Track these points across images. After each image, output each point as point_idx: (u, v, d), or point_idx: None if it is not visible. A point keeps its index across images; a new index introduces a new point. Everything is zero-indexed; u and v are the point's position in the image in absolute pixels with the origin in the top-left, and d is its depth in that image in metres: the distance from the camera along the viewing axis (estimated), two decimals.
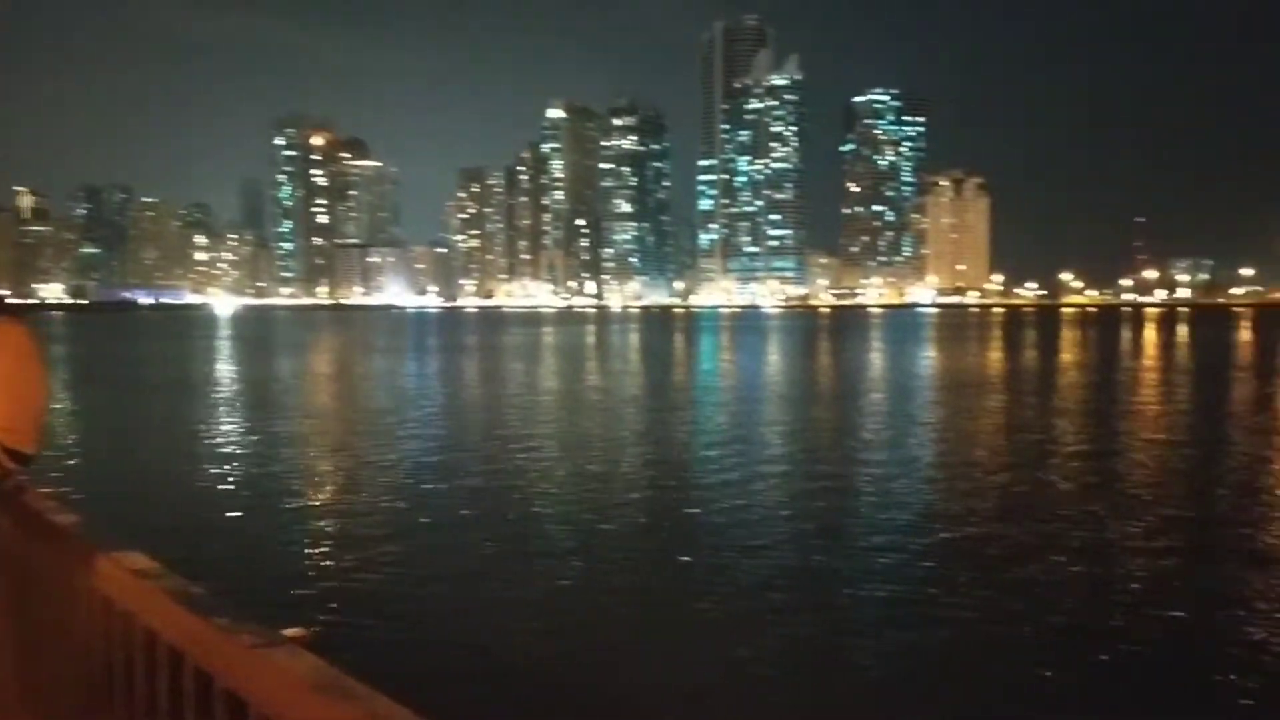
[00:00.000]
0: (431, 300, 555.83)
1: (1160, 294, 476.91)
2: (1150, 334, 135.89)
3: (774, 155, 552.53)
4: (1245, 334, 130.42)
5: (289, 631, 2.19)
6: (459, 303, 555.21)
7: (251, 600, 11.01)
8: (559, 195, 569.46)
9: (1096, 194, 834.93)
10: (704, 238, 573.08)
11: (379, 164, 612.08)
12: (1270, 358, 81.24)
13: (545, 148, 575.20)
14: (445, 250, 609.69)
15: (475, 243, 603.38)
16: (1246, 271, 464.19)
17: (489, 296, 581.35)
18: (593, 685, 11.77)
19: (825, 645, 13.08)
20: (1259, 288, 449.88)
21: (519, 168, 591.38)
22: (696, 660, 12.51)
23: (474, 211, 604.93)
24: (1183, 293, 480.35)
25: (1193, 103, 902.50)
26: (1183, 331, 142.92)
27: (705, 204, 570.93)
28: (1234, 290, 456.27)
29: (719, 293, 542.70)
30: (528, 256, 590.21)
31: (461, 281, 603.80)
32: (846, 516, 21.35)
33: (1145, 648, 12.60)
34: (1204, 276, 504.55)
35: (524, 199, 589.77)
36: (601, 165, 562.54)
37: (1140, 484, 24.05)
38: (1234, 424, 36.99)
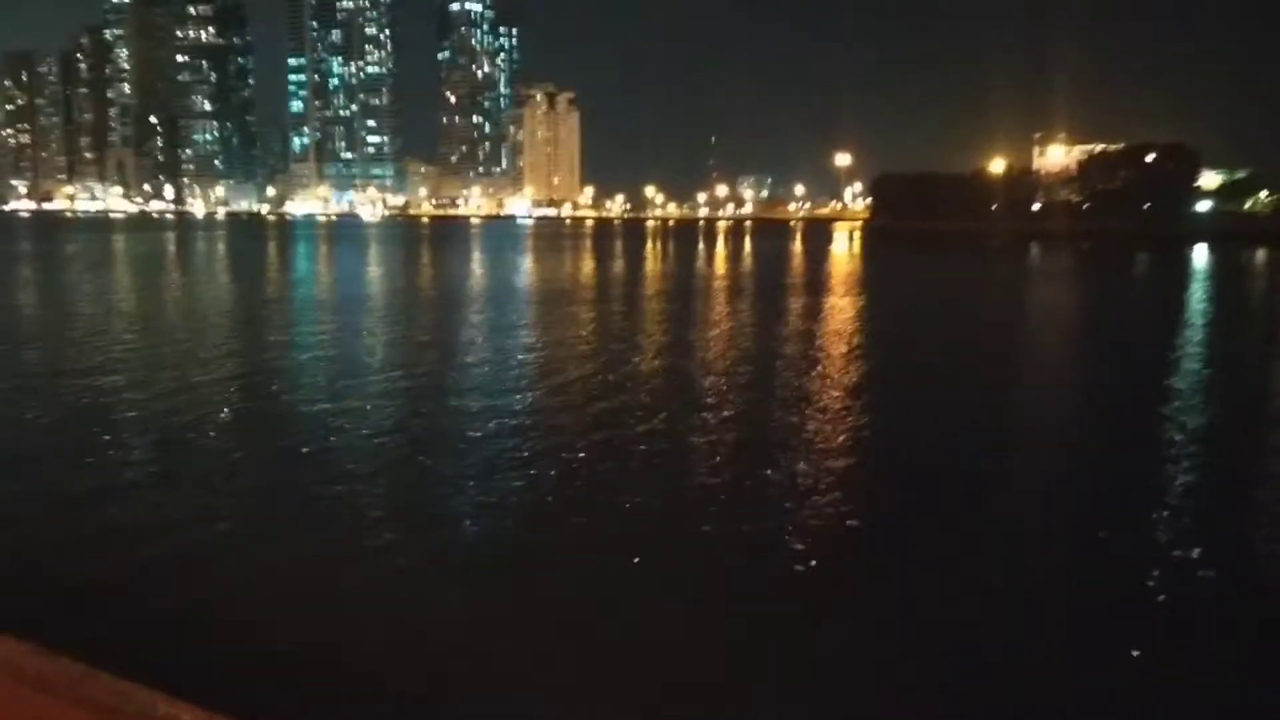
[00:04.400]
0: None
1: (730, 208, 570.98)
2: (720, 245, 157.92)
3: (368, 59, 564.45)
4: (796, 244, 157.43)
5: None
6: (9, 206, 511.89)
7: None
8: (126, 89, 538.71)
9: (676, 114, 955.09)
10: (296, 141, 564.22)
11: None
12: (812, 264, 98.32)
13: (108, 34, 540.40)
14: None
15: (26, 138, 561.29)
16: (799, 188, 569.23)
17: (46, 199, 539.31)
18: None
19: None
20: (809, 203, 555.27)
21: (77, 55, 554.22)
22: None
23: (23, 103, 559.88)
24: (748, 208, 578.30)
25: (759, 33, 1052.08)
26: (747, 243, 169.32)
27: (296, 106, 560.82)
28: (790, 206, 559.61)
29: (314, 200, 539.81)
30: (91, 155, 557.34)
31: (13, 182, 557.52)
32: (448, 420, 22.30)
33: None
34: (765, 193, 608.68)
35: (84, 90, 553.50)
36: (177, 58, 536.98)
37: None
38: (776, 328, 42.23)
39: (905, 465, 19.70)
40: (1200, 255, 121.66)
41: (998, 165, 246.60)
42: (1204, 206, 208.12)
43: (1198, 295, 67.92)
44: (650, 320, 45.25)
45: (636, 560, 14.02)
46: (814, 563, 13.91)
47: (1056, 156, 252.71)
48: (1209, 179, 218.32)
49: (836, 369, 31.18)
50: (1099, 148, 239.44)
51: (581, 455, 19.76)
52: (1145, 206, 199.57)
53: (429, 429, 22.30)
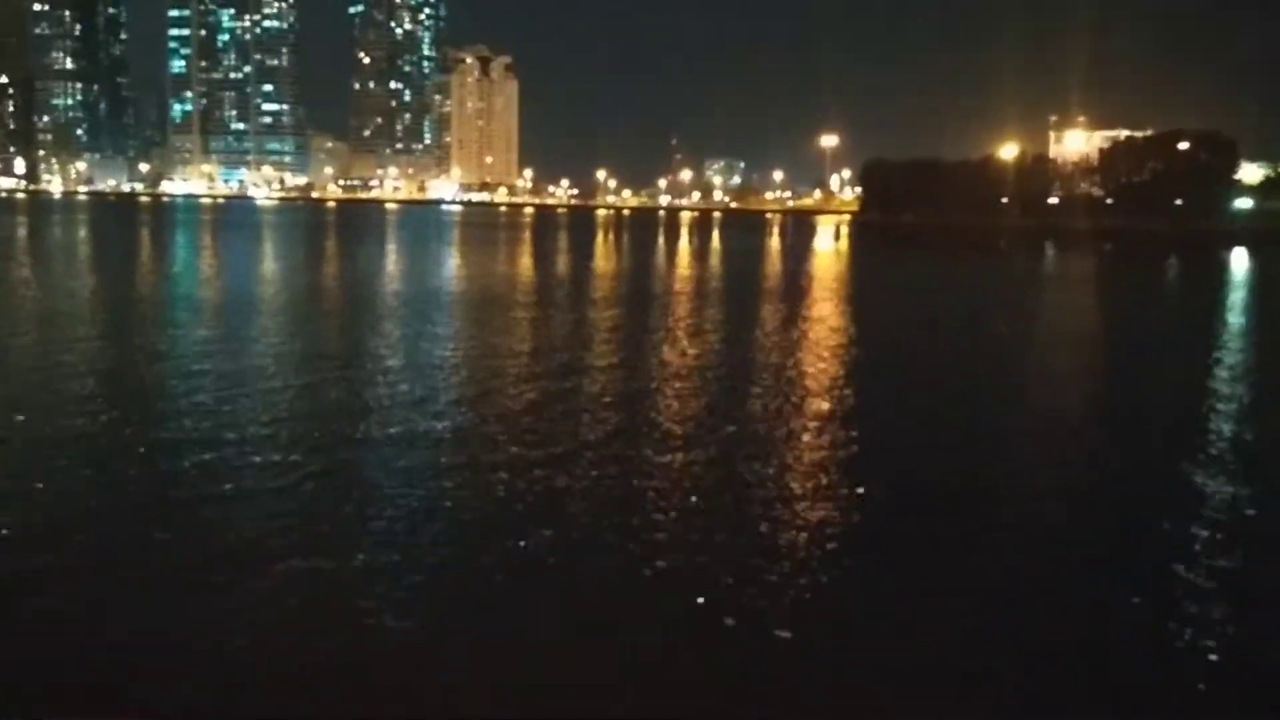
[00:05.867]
0: None
1: (696, 196, 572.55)
2: (683, 241, 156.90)
3: (266, 12, 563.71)
4: (773, 240, 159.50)
5: None
6: None
7: None
8: None
9: (633, 86, 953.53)
10: (177, 108, 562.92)
11: None
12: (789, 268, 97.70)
13: None
14: None
15: None
16: (778, 174, 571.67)
17: None
18: None
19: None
20: (788, 192, 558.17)
21: None
22: None
23: None
24: (717, 196, 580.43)
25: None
26: (715, 238, 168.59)
27: (177, 66, 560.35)
28: (767, 194, 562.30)
29: (198, 178, 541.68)
30: None
31: None
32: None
33: None
34: (737, 179, 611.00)
35: None
36: (34, 6, 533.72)
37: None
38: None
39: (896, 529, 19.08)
40: (1239, 260, 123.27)
41: (1009, 151, 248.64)
42: (1244, 204, 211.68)
43: (1239, 309, 68.31)
44: (593, 343, 44.19)
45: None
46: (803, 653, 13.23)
47: (1075, 144, 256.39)
48: (1250, 172, 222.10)
49: (813, 422, 30.54)
50: (1124, 134, 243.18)
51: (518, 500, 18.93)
52: (1176, 203, 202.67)
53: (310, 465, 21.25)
